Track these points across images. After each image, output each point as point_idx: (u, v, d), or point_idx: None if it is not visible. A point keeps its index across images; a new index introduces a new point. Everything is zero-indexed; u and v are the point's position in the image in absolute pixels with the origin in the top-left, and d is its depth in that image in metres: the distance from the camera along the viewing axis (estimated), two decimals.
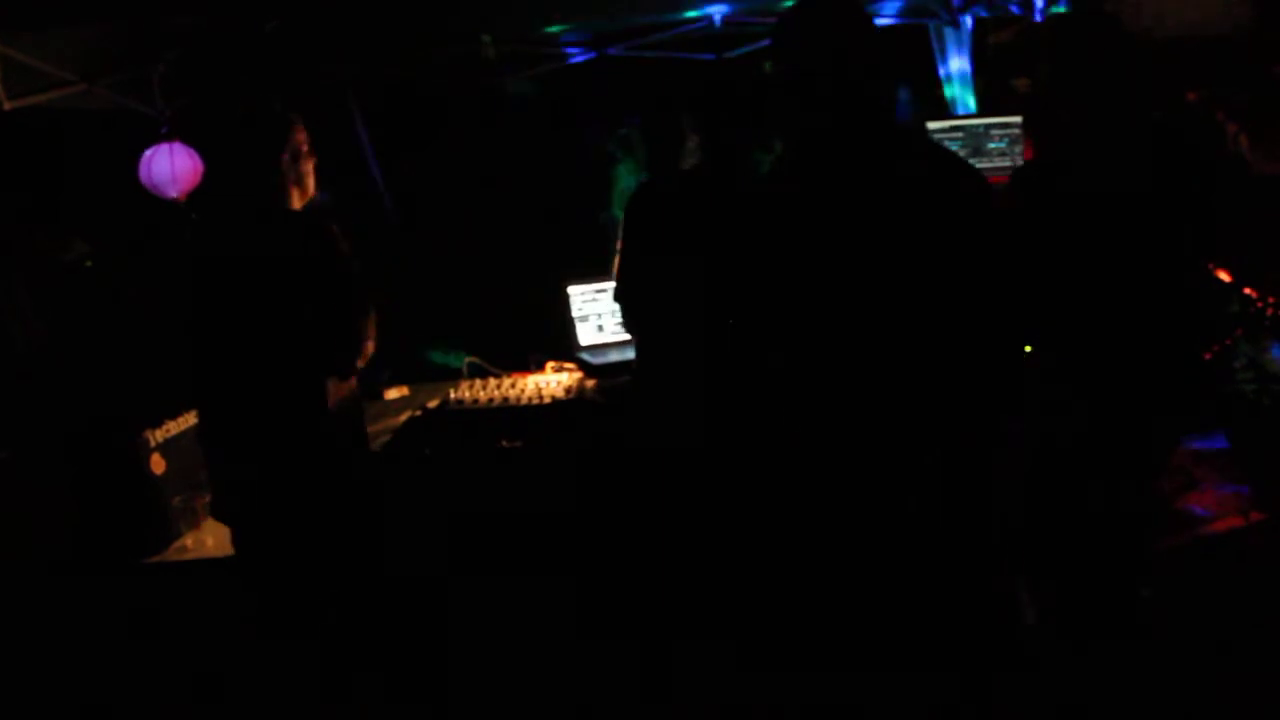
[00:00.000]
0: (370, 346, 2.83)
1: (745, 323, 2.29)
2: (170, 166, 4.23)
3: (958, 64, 5.24)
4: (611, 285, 3.22)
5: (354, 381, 2.95)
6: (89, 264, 5.28)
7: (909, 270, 2.10)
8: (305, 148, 2.88)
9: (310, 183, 2.93)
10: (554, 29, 4.61)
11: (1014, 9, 4.92)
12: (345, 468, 2.87)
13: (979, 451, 2.23)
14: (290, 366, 2.75)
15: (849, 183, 2.14)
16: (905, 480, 2.15)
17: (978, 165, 4.80)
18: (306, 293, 2.70)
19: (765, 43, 4.88)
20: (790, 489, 2.23)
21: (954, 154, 2.30)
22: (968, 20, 5.14)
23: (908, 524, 2.16)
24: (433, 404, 3.97)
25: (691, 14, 4.56)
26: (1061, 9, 4.76)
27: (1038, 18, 4.54)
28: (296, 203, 2.88)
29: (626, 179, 5.55)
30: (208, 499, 3.36)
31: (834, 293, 2.13)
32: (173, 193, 4.27)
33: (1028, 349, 2.63)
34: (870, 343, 2.13)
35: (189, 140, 4.28)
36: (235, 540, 2.92)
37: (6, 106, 3.65)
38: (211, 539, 3.28)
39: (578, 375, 4.04)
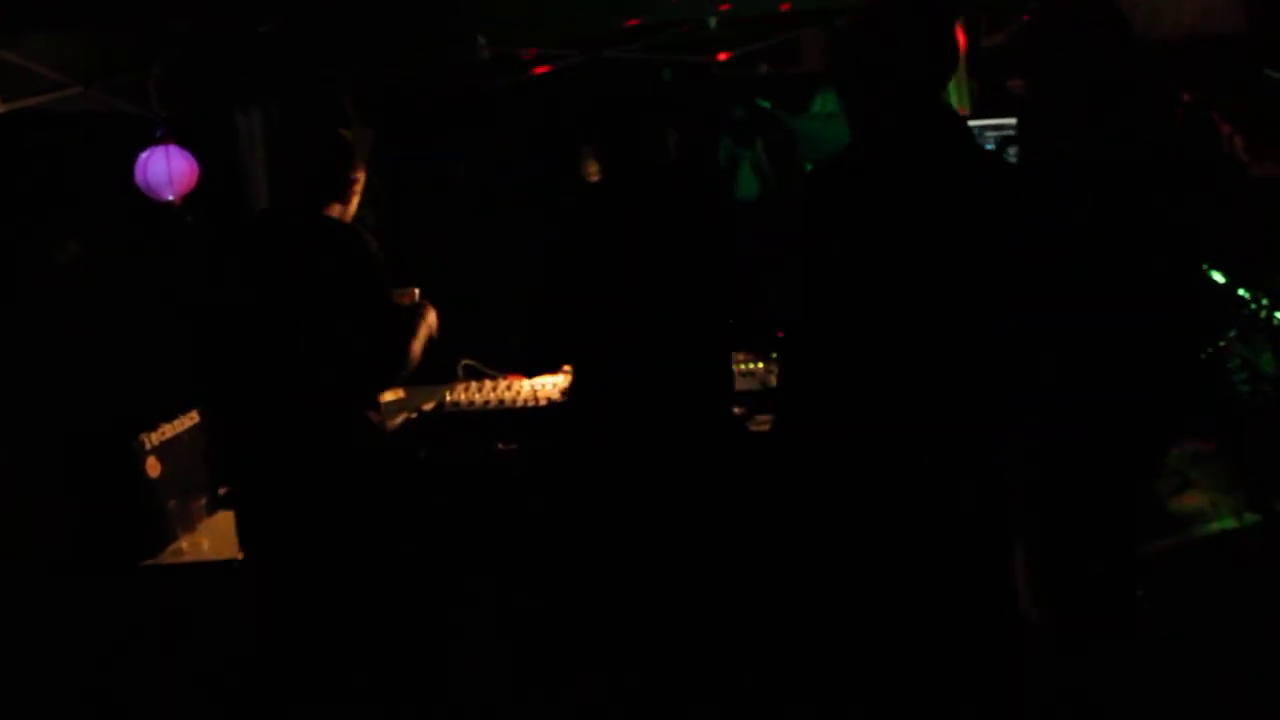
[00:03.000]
0: (413, 358, 2.81)
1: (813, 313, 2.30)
2: (167, 169, 4.23)
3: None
4: None
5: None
6: (82, 260, 5.26)
7: (965, 267, 2.13)
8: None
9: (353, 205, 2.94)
10: (549, 31, 4.61)
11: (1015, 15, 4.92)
12: (371, 479, 2.85)
13: (998, 450, 2.25)
14: (332, 381, 2.73)
15: (918, 180, 2.17)
16: (941, 474, 2.18)
17: None
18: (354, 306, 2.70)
19: (760, 44, 4.89)
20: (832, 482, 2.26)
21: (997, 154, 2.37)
22: (960, 21, 5.14)
23: (938, 521, 2.18)
24: (428, 406, 3.96)
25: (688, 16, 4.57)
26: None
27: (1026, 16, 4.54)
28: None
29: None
30: (203, 502, 3.37)
31: (897, 288, 2.16)
32: (169, 195, 4.27)
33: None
34: (924, 336, 2.16)
35: (186, 144, 4.28)
36: (252, 549, 2.88)
37: (1, 109, 3.65)
38: (207, 542, 3.29)
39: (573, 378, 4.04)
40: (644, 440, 2.81)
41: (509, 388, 3.99)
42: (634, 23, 4.55)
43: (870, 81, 2.25)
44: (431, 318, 2.98)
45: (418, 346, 2.83)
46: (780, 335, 2.61)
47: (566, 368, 4.07)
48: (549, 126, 5.39)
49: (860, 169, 2.27)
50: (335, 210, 2.84)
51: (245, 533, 2.85)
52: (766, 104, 5.66)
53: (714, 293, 2.79)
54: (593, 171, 2.91)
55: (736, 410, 3.57)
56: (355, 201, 2.91)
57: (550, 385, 3.94)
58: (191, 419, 3.50)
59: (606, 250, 2.78)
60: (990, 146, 4.83)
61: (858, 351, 2.22)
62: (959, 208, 2.17)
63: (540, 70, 4.86)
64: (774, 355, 4.00)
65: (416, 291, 3.12)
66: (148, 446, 3.30)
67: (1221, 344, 4.28)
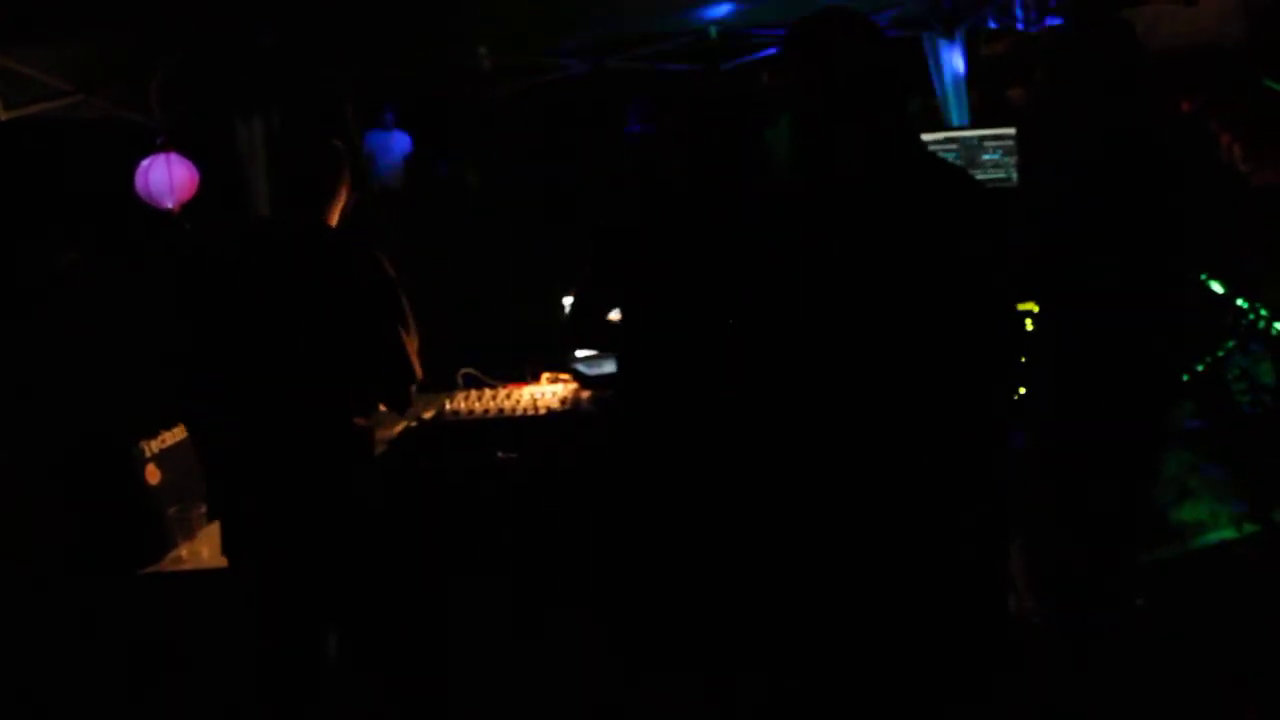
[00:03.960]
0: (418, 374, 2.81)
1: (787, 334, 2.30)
2: (168, 177, 4.24)
3: (951, 76, 5.26)
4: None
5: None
6: (82, 268, 5.27)
7: (937, 280, 2.12)
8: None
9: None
10: (551, 40, 4.62)
11: (1018, 25, 4.95)
12: (362, 499, 2.83)
13: (986, 461, 2.25)
14: (334, 395, 2.73)
15: (880, 200, 2.16)
16: (922, 490, 2.17)
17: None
18: (361, 317, 2.69)
19: (761, 54, 4.91)
20: (811, 492, 2.25)
21: (962, 169, 2.33)
22: (961, 32, 5.16)
23: (923, 532, 2.17)
24: (428, 415, 3.97)
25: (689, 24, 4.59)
26: (1054, 21, 4.78)
27: (1021, 26, 4.56)
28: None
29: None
30: (203, 509, 3.37)
31: (869, 305, 2.15)
32: (169, 203, 4.27)
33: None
34: (899, 356, 2.15)
35: (187, 153, 4.29)
36: (240, 567, 2.86)
37: (3, 117, 3.66)
38: (207, 549, 3.28)
39: (573, 386, 4.05)
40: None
41: (508, 396, 4.00)
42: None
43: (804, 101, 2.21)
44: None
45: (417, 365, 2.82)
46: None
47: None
48: (551, 135, 5.41)
49: (815, 190, 2.25)
50: (333, 219, 2.85)
51: (232, 542, 2.86)
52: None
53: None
54: (678, 172, 2.93)
55: None
56: (336, 210, 2.91)
57: (549, 394, 3.95)
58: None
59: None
60: (994, 156, 4.85)
61: (839, 370, 2.20)
62: (922, 222, 2.14)
63: (542, 80, 4.87)
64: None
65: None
66: (148, 454, 3.30)
67: (1220, 354, 4.28)
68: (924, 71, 5.33)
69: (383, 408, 2.93)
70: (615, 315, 3.08)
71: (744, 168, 2.90)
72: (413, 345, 2.80)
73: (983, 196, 2.23)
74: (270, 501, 2.74)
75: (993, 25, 5.03)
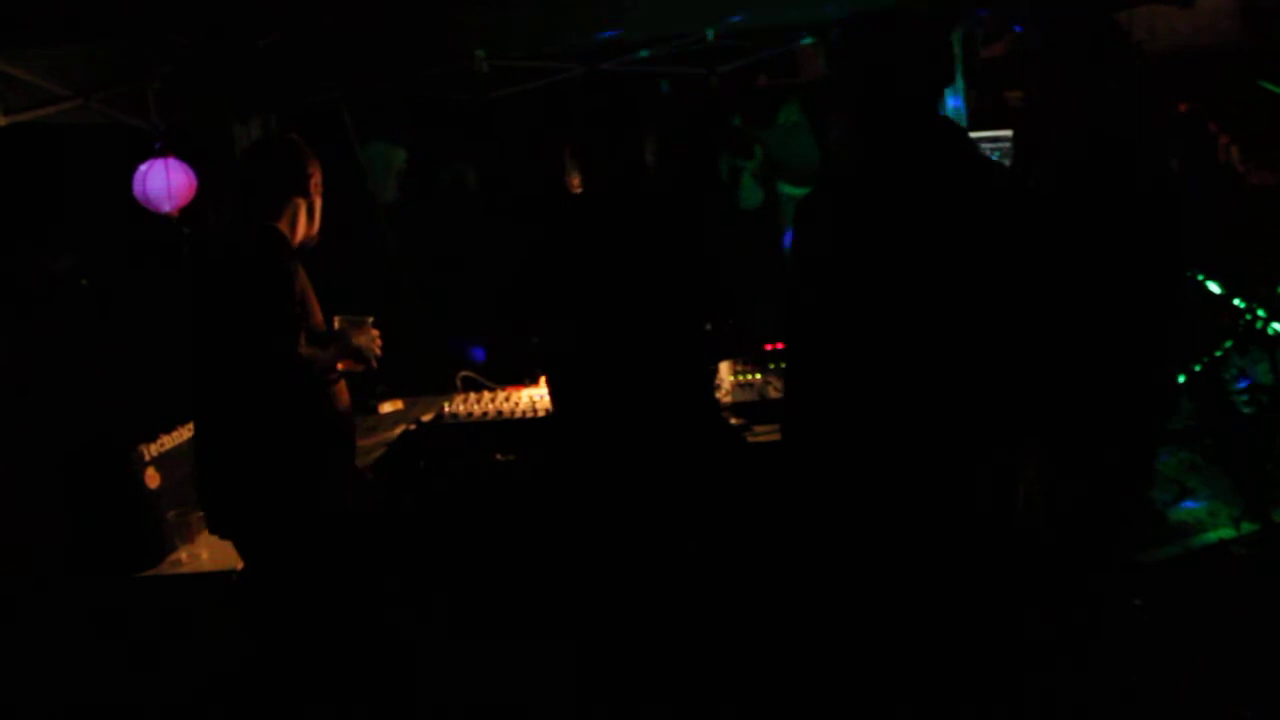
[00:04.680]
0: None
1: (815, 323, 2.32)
2: (166, 181, 4.23)
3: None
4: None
5: (345, 398, 3.00)
6: (84, 281, 5.28)
7: (970, 275, 2.14)
8: (317, 188, 3.05)
9: (316, 220, 3.08)
10: (548, 45, 4.63)
11: (1015, 27, 4.95)
12: (309, 482, 2.93)
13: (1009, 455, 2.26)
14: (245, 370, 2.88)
15: (922, 190, 2.18)
16: (947, 482, 2.18)
17: None
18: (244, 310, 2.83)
19: (757, 56, 4.91)
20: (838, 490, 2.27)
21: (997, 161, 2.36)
22: (958, 34, 5.17)
23: (949, 527, 2.19)
24: (427, 417, 3.97)
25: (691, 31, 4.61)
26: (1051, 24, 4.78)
27: (1019, 29, 4.57)
28: (297, 237, 3.02)
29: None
30: (203, 513, 3.38)
31: (903, 297, 2.17)
32: (167, 208, 4.27)
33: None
34: (929, 344, 2.17)
35: (184, 156, 4.29)
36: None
37: (2, 123, 3.66)
38: (206, 552, 3.29)
39: None
40: (624, 445, 2.88)
41: (507, 399, 4.00)
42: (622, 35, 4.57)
43: (871, 94, 2.25)
44: (362, 338, 3.15)
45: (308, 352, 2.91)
46: (782, 347, 2.62)
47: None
48: (547, 138, 5.41)
49: (861, 181, 2.28)
50: (283, 225, 2.98)
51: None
52: (737, 120, 5.71)
53: (681, 299, 2.86)
54: (575, 183, 2.96)
55: (734, 420, 3.59)
56: (300, 219, 3.03)
57: (547, 396, 3.95)
58: (190, 430, 3.50)
59: (581, 261, 2.85)
60: (992, 158, 4.86)
61: (866, 362, 2.22)
62: (963, 216, 2.17)
63: (538, 83, 4.88)
64: (771, 366, 4.00)
65: (370, 319, 3.26)
66: (147, 458, 3.31)
67: (1218, 354, 4.29)
68: None
69: None
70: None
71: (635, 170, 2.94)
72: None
73: (1007, 186, 2.26)
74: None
75: (990, 27, 5.03)
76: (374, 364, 3.21)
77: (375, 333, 3.22)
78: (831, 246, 2.26)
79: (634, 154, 2.92)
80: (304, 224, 3.03)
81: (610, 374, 2.87)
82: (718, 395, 3.34)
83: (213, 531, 3.06)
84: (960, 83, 5.22)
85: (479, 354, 4.64)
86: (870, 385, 2.22)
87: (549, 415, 3.41)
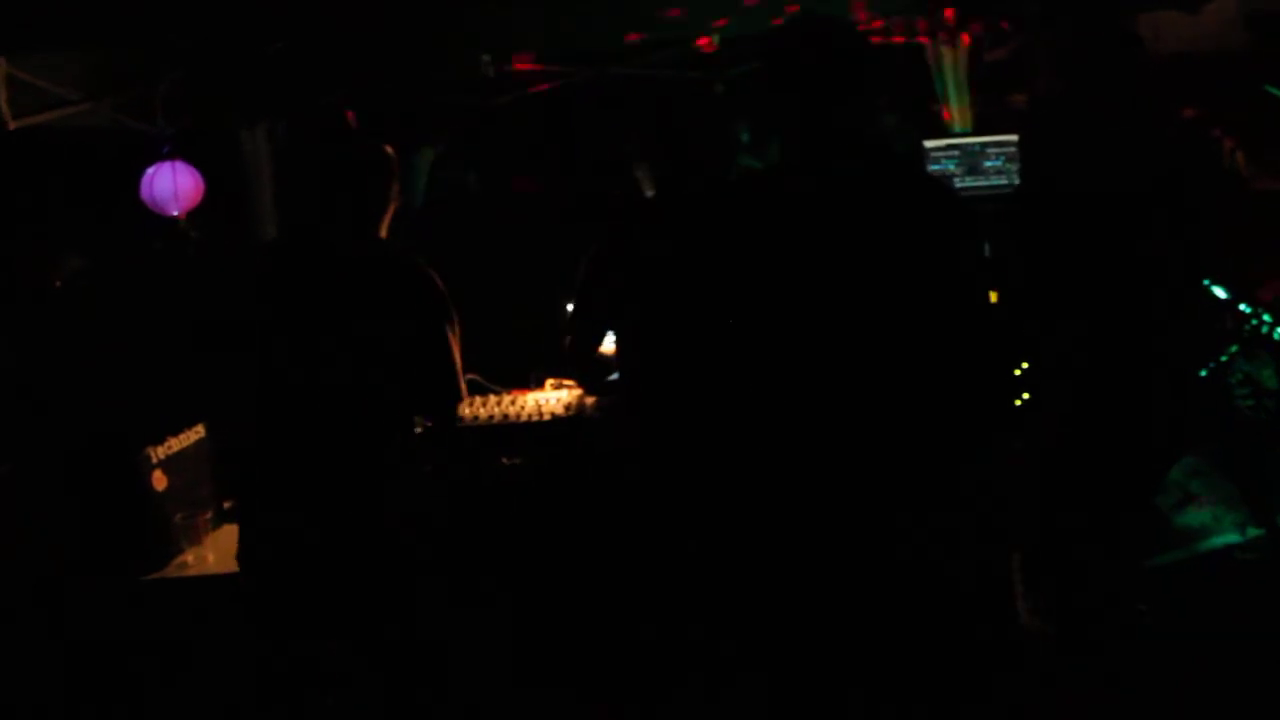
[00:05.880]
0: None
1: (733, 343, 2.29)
2: (173, 184, 4.26)
3: (954, 82, 5.27)
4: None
5: None
6: (58, 284, 5.27)
7: (893, 288, 2.11)
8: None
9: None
10: (554, 48, 4.64)
11: (1021, 31, 4.96)
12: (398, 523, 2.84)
13: (973, 468, 2.24)
14: (381, 413, 2.72)
15: (831, 201, 2.16)
16: (896, 497, 2.16)
17: (974, 184, 4.86)
18: (409, 335, 2.69)
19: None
20: (777, 503, 2.23)
21: (937, 178, 2.34)
22: (963, 38, 5.18)
23: (898, 541, 2.16)
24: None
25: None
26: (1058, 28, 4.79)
27: (1025, 32, 4.58)
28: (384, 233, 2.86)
29: None
30: (210, 515, 3.38)
31: (817, 309, 2.14)
32: (174, 210, 4.30)
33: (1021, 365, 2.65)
34: (857, 364, 2.14)
35: (192, 160, 4.32)
36: (255, 588, 2.83)
37: (11, 126, 3.68)
38: (212, 555, 3.30)
39: (577, 393, 4.05)
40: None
41: (513, 402, 4.00)
42: (636, 37, 4.58)
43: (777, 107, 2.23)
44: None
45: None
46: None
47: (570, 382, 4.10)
48: (554, 142, 5.42)
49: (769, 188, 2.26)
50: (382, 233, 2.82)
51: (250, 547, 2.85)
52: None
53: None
54: (646, 186, 2.97)
55: None
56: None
57: (554, 400, 3.95)
58: (198, 433, 3.51)
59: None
60: (997, 163, 4.86)
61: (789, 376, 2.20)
62: (880, 224, 2.15)
63: (545, 86, 4.89)
64: None
65: None
66: (154, 460, 3.31)
67: (1224, 359, 4.29)
68: (926, 77, 5.34)
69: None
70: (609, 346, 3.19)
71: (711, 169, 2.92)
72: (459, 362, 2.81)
73: (950, 202, 2.24)
74: (301, 516, 2.69)
75: (997, 30, 5.04)
76: None
77: None
78: (724, 254, 2.24)
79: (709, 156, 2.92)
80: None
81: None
82: None
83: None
84: (965, 87, 5.24)
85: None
86: (765, 402, 2.19)
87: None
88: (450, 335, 2.76)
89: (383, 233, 2.81)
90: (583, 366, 3.32)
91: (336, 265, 2.70)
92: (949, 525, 2.16)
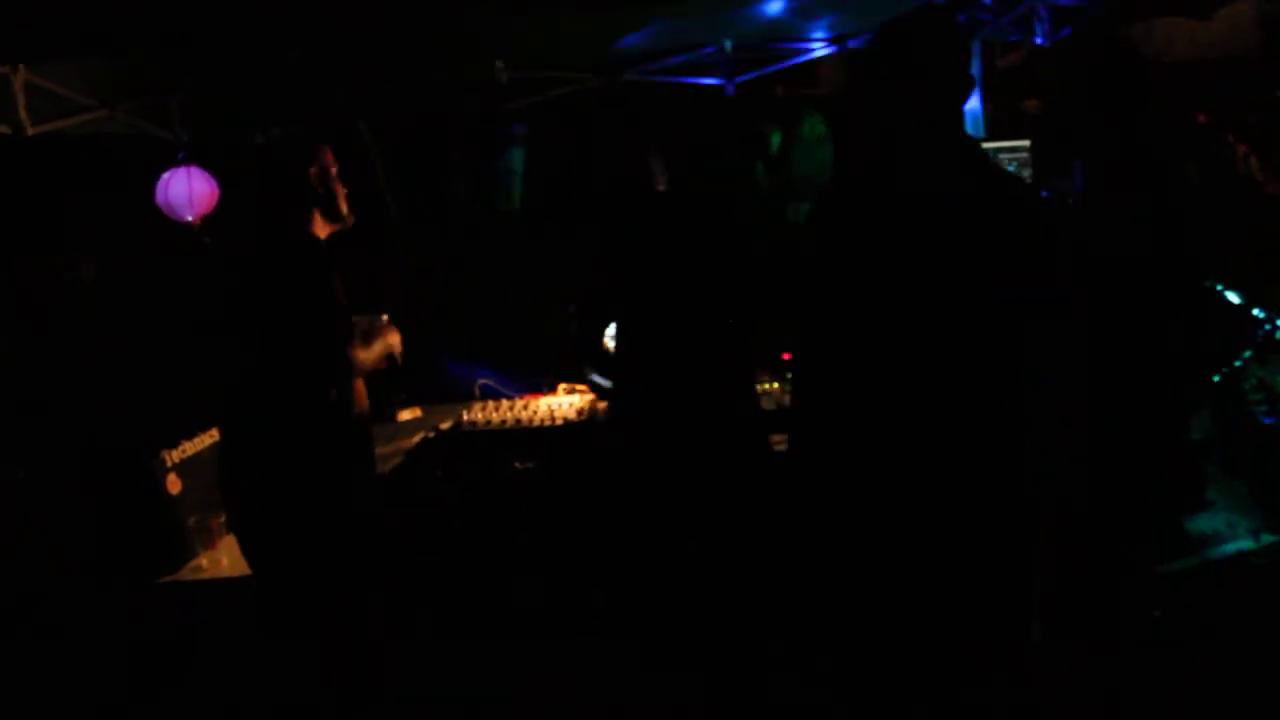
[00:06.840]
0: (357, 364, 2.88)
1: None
2: (188, 190, 4.29)
3: None
4: None
5: (364, 401, 3.00)
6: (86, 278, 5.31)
7: (982, 289, 2.15)
8: (333, 170, 2.95)
9: (340, 208, 2.99)
10: (569, 55, 4.65)
11: (1034, 38, 4.96)
12: (340, 487, 2.89)
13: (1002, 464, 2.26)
14: (279, 383, 2.82)
15: (937, 202, 2.20)
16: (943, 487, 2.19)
17: None
18: (293, 319, 2.77)
19: (774, 67, 4.93)
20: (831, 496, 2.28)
21: (1014, 174, 2.36)
22: (975, 44, 5.17)
23: (940, 532, 2.19)
24: (445, 425, 3.99)
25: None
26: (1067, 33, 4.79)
27: (1039, 40, 4.57)
28: (321, 228, 2.93)
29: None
30: (223, 518, 3.40)
31: (912, 308, 2.19)
32: (188, 215, 4.33)
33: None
34: (938, 356, 2.18)
35: (206, 166, 4.34)
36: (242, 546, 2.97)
37: (30, 132, 3.71)
38: (226, 558, 3.31)
39: (589, 398, 4.07)
40: (678, 438, 2.98)
41: (525, 407, 4.02)
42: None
43: (891, 105, 2.25)
44: (393, 339, 3.14)
45: (363, 355, 2.93)
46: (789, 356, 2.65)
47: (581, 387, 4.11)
48: (569, 148, 5.43)
49: (874, 191, 2.29)
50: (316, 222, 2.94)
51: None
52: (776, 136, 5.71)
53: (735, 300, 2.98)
54: (660, 182, 3.03)
55: None
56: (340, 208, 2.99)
57: (566, 405, 3.97)
58: (212, 436, 3.53)
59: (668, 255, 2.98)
60: (1009, 168, 4.85)
61: (873, 372, 2.24)
62: (979, 229, 2.17)
63: (558, 92, 4.90)
64: (789, 376, 4.01)
65: (385, 316, 3.28)
66: (168, 464, 3.34)
67: (1237, 365, 4.27)
68: None
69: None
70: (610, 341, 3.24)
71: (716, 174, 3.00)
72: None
73: (1024, 211, 2.26)
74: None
75: (1009, 37, 5.04)
76: (399, 362, 3.20)
77: (397, 331, 3.21)
78: (838, 256, 2.27)
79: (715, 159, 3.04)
80: (321, 222, 2.98)
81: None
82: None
83: (231, 529, 3.06)
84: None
85: (480, 374, 4.65)
86: (873, 397, 2.22)
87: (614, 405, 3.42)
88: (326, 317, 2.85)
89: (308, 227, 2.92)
90: (586, 352, 3.39)
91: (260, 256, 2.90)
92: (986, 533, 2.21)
